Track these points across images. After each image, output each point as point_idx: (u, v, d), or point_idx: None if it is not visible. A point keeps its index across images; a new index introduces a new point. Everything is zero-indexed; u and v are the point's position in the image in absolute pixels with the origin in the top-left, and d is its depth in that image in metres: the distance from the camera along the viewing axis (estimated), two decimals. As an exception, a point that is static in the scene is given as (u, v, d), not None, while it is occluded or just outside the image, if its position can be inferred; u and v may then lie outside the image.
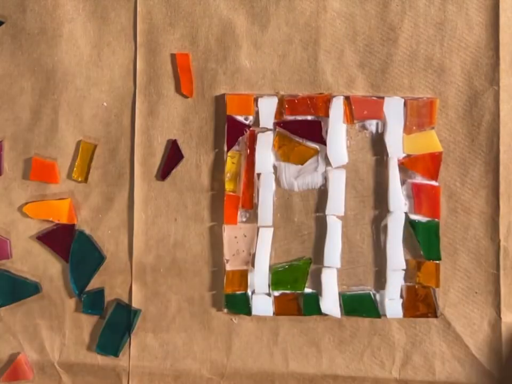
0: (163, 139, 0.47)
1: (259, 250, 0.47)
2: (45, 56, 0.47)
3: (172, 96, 0.47)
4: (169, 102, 0.47)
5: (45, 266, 0.48)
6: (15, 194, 0.48)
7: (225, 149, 0.46)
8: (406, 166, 0.46)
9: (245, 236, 0.47)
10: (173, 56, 0.47)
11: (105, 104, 0.47)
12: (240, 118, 0.46)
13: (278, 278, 0.47)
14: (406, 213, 0.46)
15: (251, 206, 0.47)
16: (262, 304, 0.47)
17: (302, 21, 0.47)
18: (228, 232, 0.47)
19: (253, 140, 0.46)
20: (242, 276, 0.47)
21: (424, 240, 0.46)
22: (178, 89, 0.47)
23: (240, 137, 0.46)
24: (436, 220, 0.46)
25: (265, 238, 0.47)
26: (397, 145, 0.46)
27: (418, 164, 0.46)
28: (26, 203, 0.48)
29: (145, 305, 0.47)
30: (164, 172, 0.47)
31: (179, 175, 0.47)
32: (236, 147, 0.46)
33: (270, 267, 0.47)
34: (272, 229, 0.47)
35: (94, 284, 0.47)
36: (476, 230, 0.47)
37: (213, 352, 0.47)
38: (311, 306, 0.47)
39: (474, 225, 0.46)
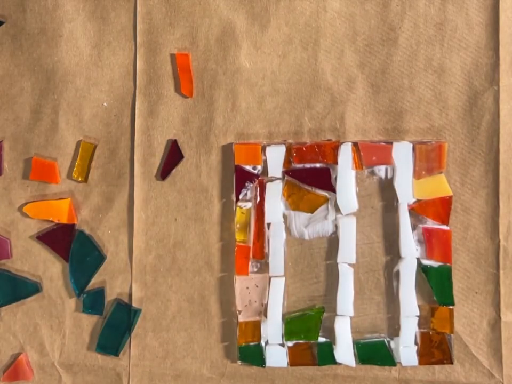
0: (163, 139, 0.47)
1: (271, 300, 0.46)
2: (45, 56, 0.47)
3: (172, 96, 0.47)
4: (169, 102, 0.47)
5: (45, 266, 0.48)
6: (15, 194, 0.48)
7: (234, 199, 0.46)
8: (416, 211, 0.46)
9: (257, 286, 0.46)
10: (173, 56, 0.47)
11: (105, 104, 0.47)
12: (249, 168, 0.46)
13: (291, 328, 0.46)
14: (418, 258, 0.46)
15: (262, 256, 0.46)
16: (276, 355, 0.47)
17: (302, 21, 0.47)
18: (240, 283, 0.46)
19: (262, 189, 0.46)
20: (255, 327, 0.46)
21: (437, 285, 0.46)
22: (178, 89, 0.47)
23: (249, 187, 0.46)
24: (448, 264, 0.46)
25: (277, 287, 0.46)
26: (406, 190, 0.46)
27: (429, 208, 0.46)
28: (26, 203, 0.48)
29: (145, 305, 0.47)
30: (164, 171, 0.47)
31: (179, 175, 0.47)
32: (244, 197, 0.46)
33: (283, 317, 0.47)
34: (284, 279, 0.47)
35: (94, 284, 0.48)
36: (476, 230, 0.47)
37: (213, 351, 0.47)
38: (325, 355, 0.47)
39: (474, 225, 0.47)
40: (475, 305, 0.47)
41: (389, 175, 0.46)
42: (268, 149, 0.46)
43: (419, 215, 0.46)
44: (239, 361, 0.47)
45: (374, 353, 0.46)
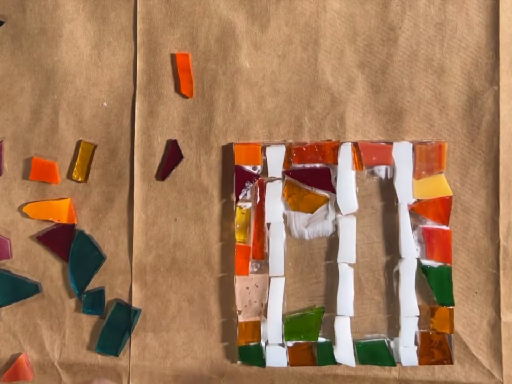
0: (163, 139, 0.47)
1: (271, 300, 0.46)
2: (45, 56, 0.47)
3: (172, 96, 0.47)
4: (169, 102, 0.47)
5: (45, 266, 0.48)
6: (15, 194, 0.48)
7: (234, 199, 0.46)
8: (416, 211, 0.46)
9: (257, 287, 0.46)
10: (173, 56, 0.47)
11: (105, 104, 0.47)
12: (249, 168, 0.46)
13: (291, 328, 0.46)
14: (418, 259, 0.46)
15: (262, 256, 0.46)
16: (276, 355, 0.46)
17: (302, 21, 0.47)
18: (240, 283, 0.46)
19: (262, 190, 0.46)
20: (255, 327, 0.46)
21: (436, 285, 0.46)
22: (178, 89, 0.47)
23: (249, 187, 0.46)
24: (448, 264, 0.46)
25: (277, 288, 0.46)
26: (406, 191, 0.46)
27: (429, 208, 0.46)
28: (26, 203, 0.48)
29: (145, 305, 0.47)
30: (164, 171, 0.47)
31: (179, 175, 0.47)
32: (244, 197, 0.46)
33: (283, 317, 0.47)
34: (284, 279, 0.47)
35: (94, 284, 0.48)
36: (476, 230, 0.47)
37: (213, 352, 0.47)
38: (325, 356, 0.47)
39: (474, 225, 0.47)
40: (475, 305, 0.47)
41: (389, 175, 0.46)
42: (267, 149, 0.46)
43: (419, 215, 0.46)
44: (239, 361, 0.47)
45: (374, 353, 0.46)
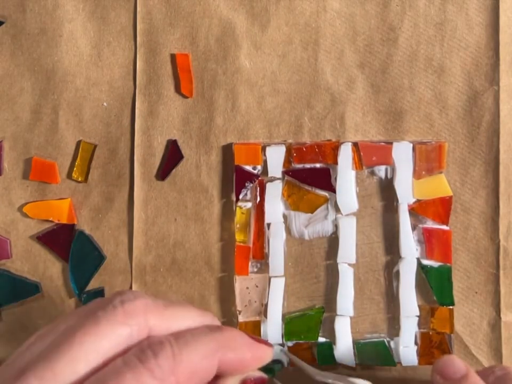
0: (163, 139, 0.47)
1: (271, 300, 0.46)
2: (45, 56, 0.47)
3: (172, 96, 0.47)
4: (169, 102, 0.47)
5: (45, 266, 0.48)
6: (15, 194, 0.48)
7: (234, 199, 0.46)
8: (416, 211, 0.46)
9: (257, 286, 0.46)
10: (173, 56, 0.47)
11: (105, 104, 0.47)
12: (249, 168, 0.46)
13: (291, 328, 0.46)
14: (417, 259, 0.46)
15: (262, 256, 0.46)
16: (276, 355, 0.46)
17: (302, 21, 0.47)
18: (240, 283, 0.46)
19: (262, 189, 0.46)
20: (255, 327, 0.46)
21: (436, 285, 0.46)
22: (178, 89, 0.47)
23: (249, 187, 0.46)
24: (448, 264, 0.46)
25: (277, 287, 0.46)
26: (406, 191, 0.46)
27: (429, 208, 0.45)
28: (26, 203, 0.48)
29: (145, 305, 0.47)
30: (164, 172, 0.47)
31: (179, 175, 0.47)
32: (244, 197, 0.46)
33: (283, 317, 0.47)
34: (283, 279, 0.46)
35: (94, 284, 0.48)
36: (476, 230, 0.46)
37: (213, 352, 0.47)
38: (325, 355, 0.46)
39: (474, 225, 0.46)
40: (475, 305, 0.47)
41: (389, 175, 0.46)
42: (267, 149, 0.46)
43: (419, 215, 0.46)
44: None
45: (374, 353, 0.46)
